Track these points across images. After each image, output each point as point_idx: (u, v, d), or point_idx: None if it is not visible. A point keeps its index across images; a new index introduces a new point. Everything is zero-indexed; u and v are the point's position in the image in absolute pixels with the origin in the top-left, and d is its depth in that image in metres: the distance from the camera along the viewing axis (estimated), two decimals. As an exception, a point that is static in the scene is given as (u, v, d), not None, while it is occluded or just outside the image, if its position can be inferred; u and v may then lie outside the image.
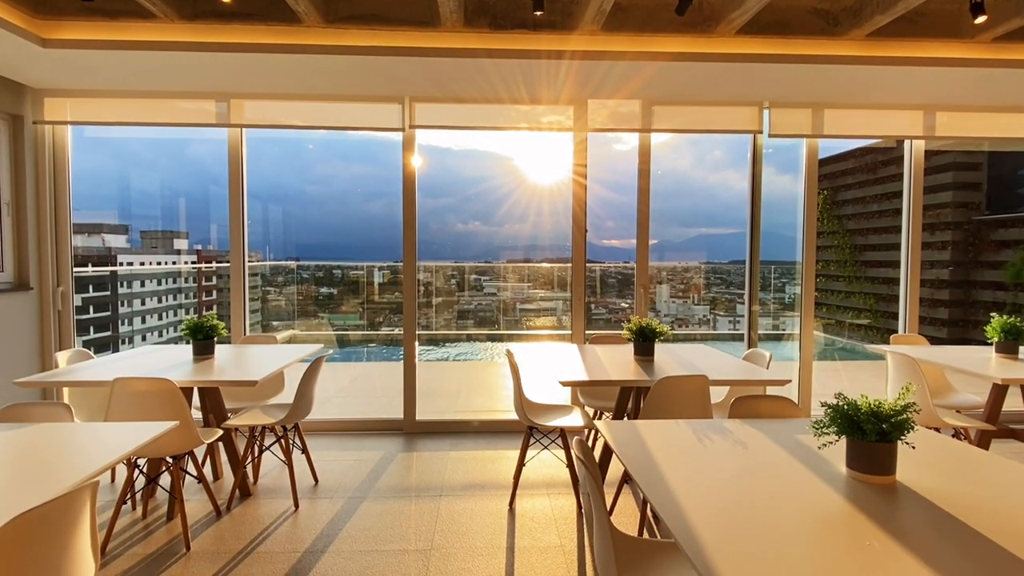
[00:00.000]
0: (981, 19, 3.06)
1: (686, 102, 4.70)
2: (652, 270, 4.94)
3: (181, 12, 3.58)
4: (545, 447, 3.98)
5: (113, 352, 3.62)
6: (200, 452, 3.93)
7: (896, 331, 5.18)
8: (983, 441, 3.51)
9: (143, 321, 8.00)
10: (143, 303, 7.96)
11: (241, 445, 3.82)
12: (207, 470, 3.85)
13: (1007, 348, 3.72)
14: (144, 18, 3.59)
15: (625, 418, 3.44)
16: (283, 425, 3.45)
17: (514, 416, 4.93)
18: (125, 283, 7.74)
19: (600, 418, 4.12)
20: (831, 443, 1.74)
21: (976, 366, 3.44)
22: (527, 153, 8.11)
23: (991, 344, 3.82)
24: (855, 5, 3.62)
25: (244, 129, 4.70)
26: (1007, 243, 8.97)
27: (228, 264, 4.81)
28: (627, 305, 8.49)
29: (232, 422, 3.38)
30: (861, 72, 3.98)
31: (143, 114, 4.52)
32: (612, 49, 3.79)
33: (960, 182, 9.42)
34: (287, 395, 3.95)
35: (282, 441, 3.55)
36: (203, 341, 3.57)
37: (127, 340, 7.68)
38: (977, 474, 1.78)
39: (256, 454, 3.80)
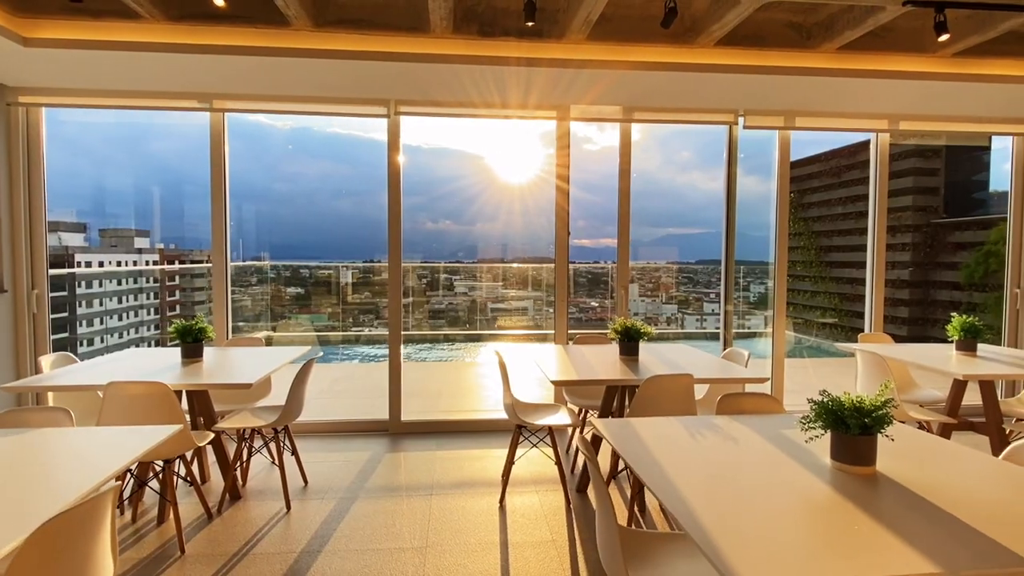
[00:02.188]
0: (944, 37, 3.26)
1: (665, 109, 4.84)
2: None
3: (167, 13, 3.56)
4: (534, 445, 4.07)
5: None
6: (188, 455, 3.90)
7: (860, 329, 5.43)
8: (944, 433, 3.73)
9: (102, 322, 7.79)
10: (102, 303, 7.74)
11: (229, 448, 3.81)
12: (194, 473, 3.83)
13: (966, 346, 3.95)
14: (129, 18, 3.56)
15: (609, 416, 3.56)
16: (274, 427, 3.46)
17: (498, 415, 5.03)
18: (84, 283, 7.53)
19: (583, 415, 4.23)
20: (817, 437, 1.87)
21: (939, 363, 3.65)
22: (502, 152, 8.17)
23: (952, 342, 4.05)
24: (827, 20, 3.80)
25: (227, 125, 4.64)
26: (963, 245, 9.44)
27: (194, 265, 4.73)
28: (597, 304, 8.65)
29: (223, 424, 3.38)
30: (832, 83, 4.17)
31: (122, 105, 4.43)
32: (596, 58, 3.90)
33: (920, 186, 9.87)
34: (274, 397, 3.96)
35: (272, 443, 3.56)
36: (192, 344, 3.56)
37: (85, 342, 7.48)
38: (945, 462, 1.93)
39: (246, 457, 3.80)
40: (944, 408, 3.86)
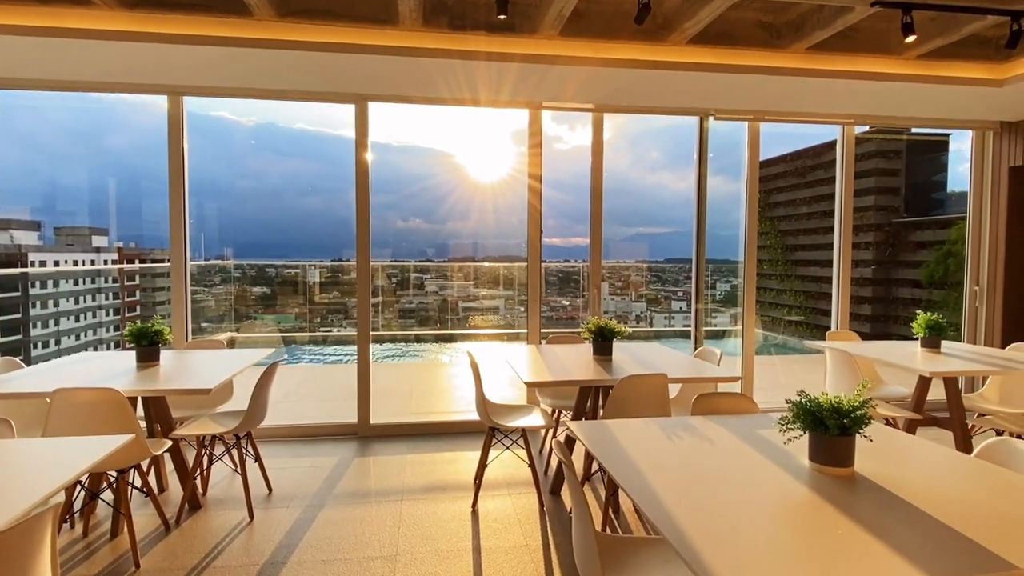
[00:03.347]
0: (911, 39, 3.30)
1: (637, 109, 4.83)
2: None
3: (121, 0, 3.38)
4: (507, 447, 4.00)
5: (23, 358, 3.39)
6: (144, 464, 3.73)
7: (827, 327, 5.51)
8: (910, 428, 3.78)
9: (57, 324, 7.46)
10: (57, 304, 7.41)
11: (188, 455, 3.65)
12: (151, 482, 3.66)
13: (931, 343, 4.02)
14: (80, 4, 3.37)
15: (583, 418, 3.51)
16: (236, 433, 3.32)
17: (469, 417, 4.94)
18: (38, 283, 7.21)
19: (556, 415, 4.18)
20: (796, 438, 1.84)
21: (905, 360, 3.71)
22: (473, 150, 8.06)
23: (916, 339, 4.12)
24: (797, 20, 3.82)
25: (185, 116, 4.45)
26: (923, 244, 9.74)
27: (155, 264, 4.54)
28: (568, 303, 8.63)
29: (182, 431, 3.23)
30: (801, 83, 4.20)
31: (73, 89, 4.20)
32: (569, 54, 3.85)
33: (882, 187, 10.13)
34: (236, 402, 3.81)
35: (234, 450, 3.42)
36: (148, 347, 3.39)
37: (39, 345, 7.15)
38: (921, 462, 1.93)
39: (206, 464, 3.64)
40: (909, 404, 3.92)
